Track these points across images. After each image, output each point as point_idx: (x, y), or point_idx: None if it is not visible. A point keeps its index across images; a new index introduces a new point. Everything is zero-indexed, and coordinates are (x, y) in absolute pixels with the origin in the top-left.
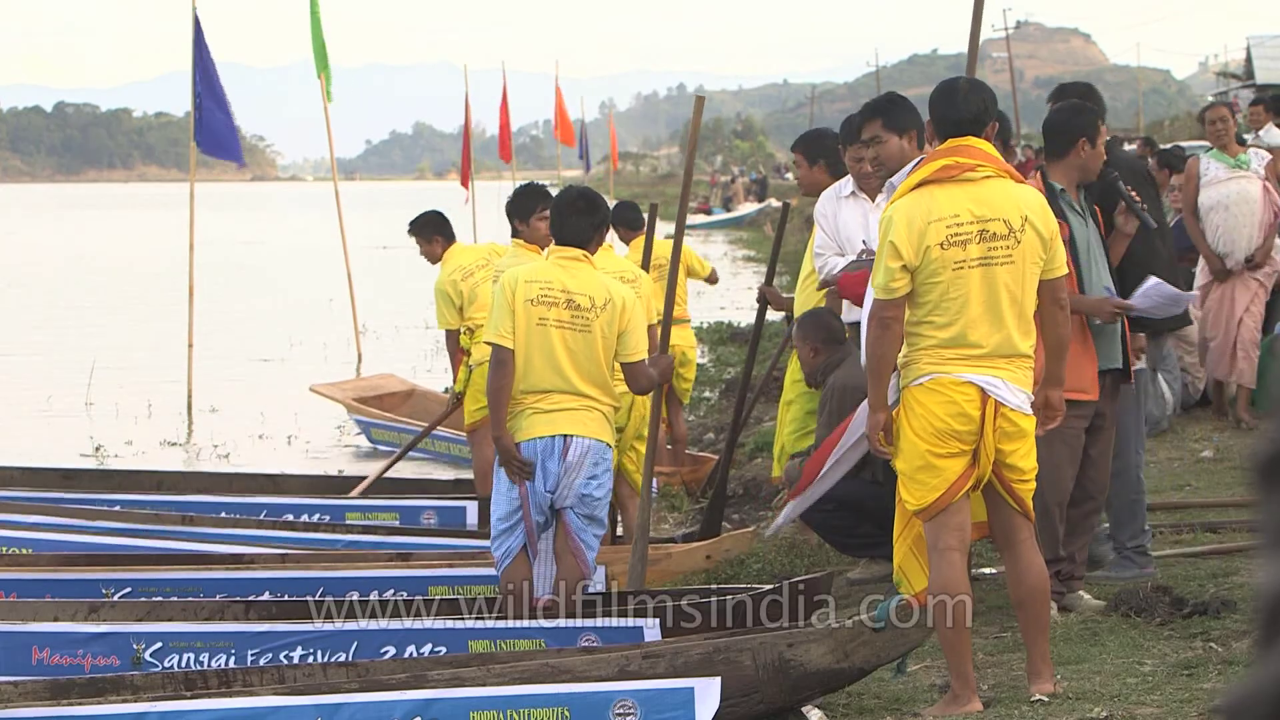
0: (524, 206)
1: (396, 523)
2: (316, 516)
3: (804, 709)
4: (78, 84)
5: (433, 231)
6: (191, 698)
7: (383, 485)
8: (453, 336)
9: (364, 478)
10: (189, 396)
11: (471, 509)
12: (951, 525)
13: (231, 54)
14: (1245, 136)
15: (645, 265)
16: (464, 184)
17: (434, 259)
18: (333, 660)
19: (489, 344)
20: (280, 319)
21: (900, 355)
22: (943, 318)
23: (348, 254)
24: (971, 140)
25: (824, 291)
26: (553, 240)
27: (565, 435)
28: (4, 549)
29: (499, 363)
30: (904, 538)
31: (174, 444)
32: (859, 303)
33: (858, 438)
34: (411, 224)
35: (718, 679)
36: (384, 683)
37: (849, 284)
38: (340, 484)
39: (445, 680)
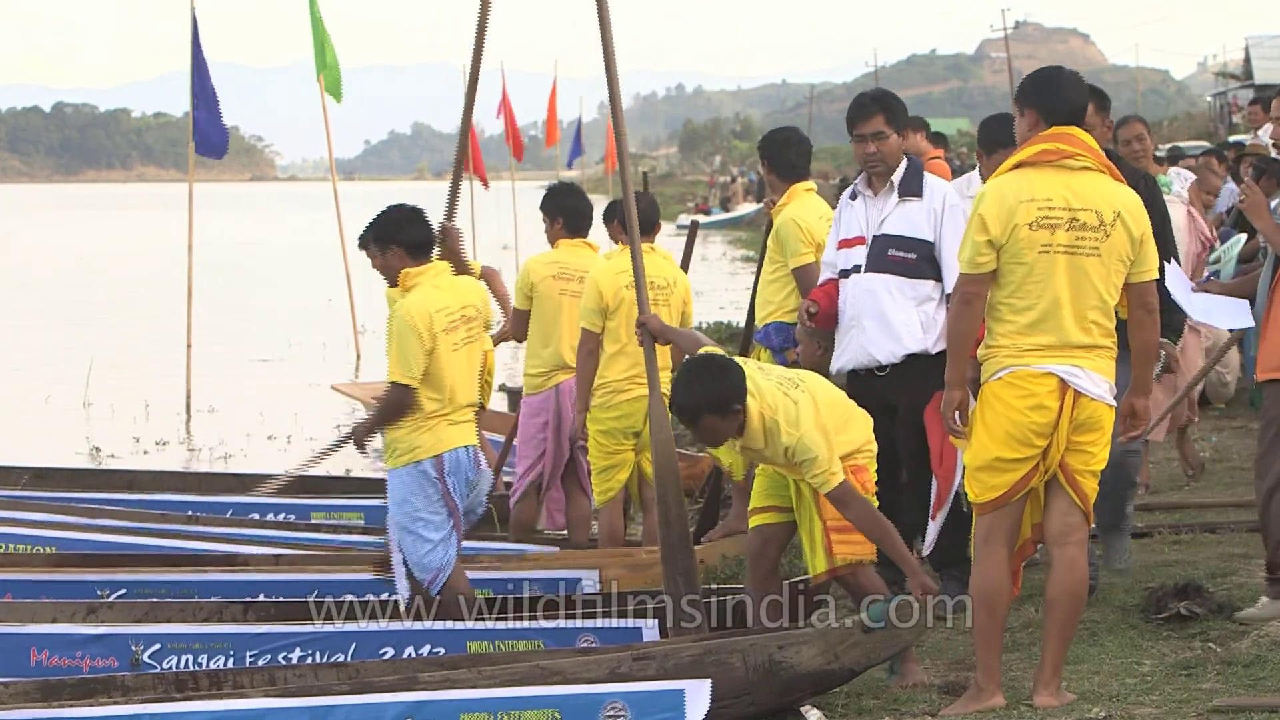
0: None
1: (362, 523)
2: (283, 515)
3: (802, 709)
4: (76, 84)
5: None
6: (183, 699)
7: (350, 484)
8: None
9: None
10: (188, 396)
11: None
12: (1004, 524)
13: (231, 54)
14: (1244, 137)
15: (685, 265)
16: (480, 178)
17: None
18: (330, 662)
19: (397, 385)
20: (279, 319)
21: (980, 348)
22: (1024, 300)
23: (346, 254)
24: (1075, 130)
25: (783, 296)
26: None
27: (474, 446)
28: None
29: (401, 405)
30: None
31: (171, 444)
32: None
33: None
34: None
35: (708, 681)
36: (375, 684)
37: None
38: (307, 484)
39: (436, 682)
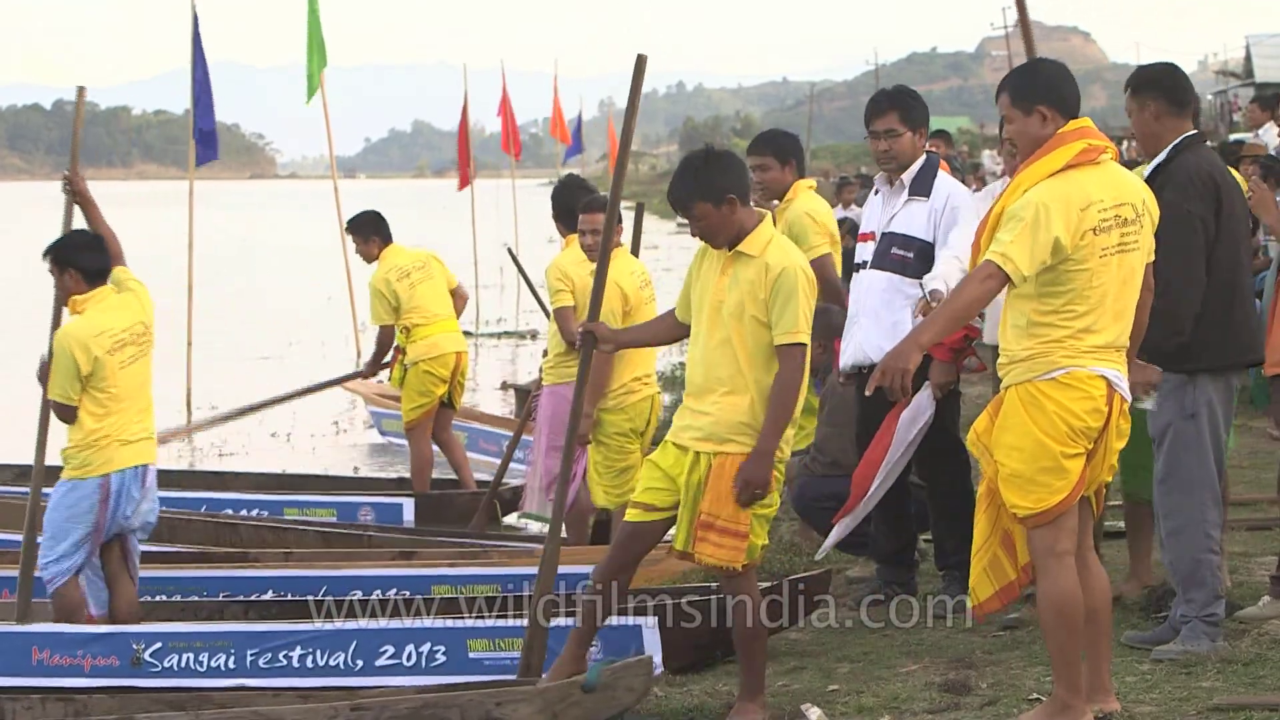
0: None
1: (334, 519)
2: (256, 512)
3: (803, 706)
4: (76, 82)
5: (370, 232)
6: None
7: (321, 482)
8: (386, 331)
9: (374, 478)
10: (188, 394)
11: (408, 505)
12: (1068, 528)
13: (232, 53)
14: (1245, 135)
15: (635, 250)
16: (462, 177)
17: (369, 258)
18: (331, 660)
19: (55, 401)
20: (278, 317)
21: (1021, 349)
22: (1082, 306)
23: (347, 252)
24: (1088, 121)
25: None
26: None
27: (145, 465)
28: None
29: (64, 419)
30: (981, 555)
31: (171, 442)
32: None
33: (904, 449)
34: (350, 223)
35: None
36: None
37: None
38: (281, 481)
39: None
